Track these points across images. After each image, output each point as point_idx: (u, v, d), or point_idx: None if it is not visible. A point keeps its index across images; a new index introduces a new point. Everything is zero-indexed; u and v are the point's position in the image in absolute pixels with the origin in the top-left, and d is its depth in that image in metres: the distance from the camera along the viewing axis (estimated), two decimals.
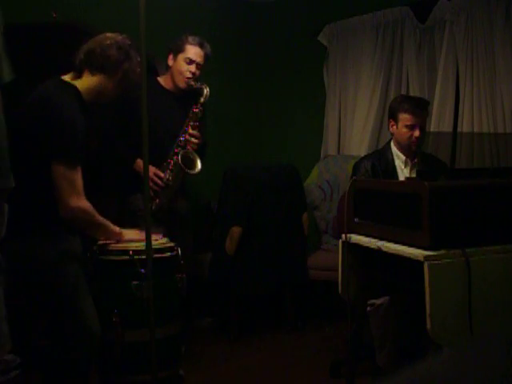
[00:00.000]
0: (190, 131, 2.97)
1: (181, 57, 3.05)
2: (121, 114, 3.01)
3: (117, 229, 2.40)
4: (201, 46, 3.07)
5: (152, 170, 2.88)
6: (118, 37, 2.35)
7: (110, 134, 3.04)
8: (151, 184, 2.88)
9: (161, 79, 3.16)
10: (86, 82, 2.28)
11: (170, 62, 3.09)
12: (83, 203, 2.20)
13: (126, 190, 3.05)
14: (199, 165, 2.96)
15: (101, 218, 2.30)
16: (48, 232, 2.19)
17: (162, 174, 2.93)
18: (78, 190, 2.17)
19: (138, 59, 2.33)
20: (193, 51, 3.05)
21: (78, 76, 2.29)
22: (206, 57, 3.10)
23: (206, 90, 3.00)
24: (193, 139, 2.96)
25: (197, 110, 3.00)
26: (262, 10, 4.81)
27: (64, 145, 2.13)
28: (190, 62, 3.04)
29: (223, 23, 4.41)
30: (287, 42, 4.79)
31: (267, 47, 4.85)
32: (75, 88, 2.24)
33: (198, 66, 3.06)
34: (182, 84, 3.06)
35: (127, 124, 2.97)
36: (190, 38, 3.06)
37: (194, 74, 3.04)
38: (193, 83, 3.03)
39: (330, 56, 4.50)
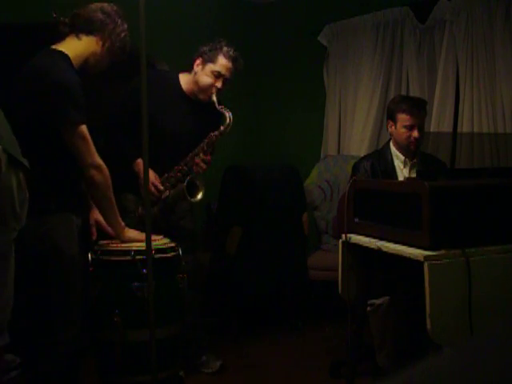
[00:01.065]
0: (202, 156, 2.81)
1: (210, 67, 2.83)
2: (126, 111, 2.86)
3: (122, 223, 2.40)
4: (234, 61, 2.86)
5: (151, 177, 2.76)
6: (105, 4, 2.36)
7: (114, 130, 2.92)
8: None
9: (182, 78, 2.95)
10: (73, 47, 2.26)
11: (197, 68, 2.87)
12: (102, 163, 2.22)
13: (117, 188, 2.99)
14: (200, 195, 2.80)
15: (113, 200, 2.32)
16: (50, 211, 2.20)
17: (160, 187, 2.80)
18: (93, 148, 2.20)
19: (125, 26, 2.35)
20: (224, 65, 2.84)
21: (64, 41, 2.29)
22: (236, 72, 2.90)
23: (229, 120, 2.79)
24: (201, 164, 2.81)
25: (214, 138, 2.82)
26: (261, 10, 4.81)
27: (65, 104, 2.13)
28: (219, 75, 2.83)
29: (223, 23, 4.41)
30: (287, 42, 4.78)
31: (267, 47, 4.85)
32: (63, 53, 2.23)
33: (225, 80, 2.86)
34: (203, 97, 2.87)
35: (133, 121, 2.76)
36: (225, 49, 2.85)
37: (219, 90, 2.85)
38: (215, 100, 2.81)
39: (330, 56, 4.50)
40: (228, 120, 2.79)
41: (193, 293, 2.86)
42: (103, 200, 2.31)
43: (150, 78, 2.97)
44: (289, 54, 4.79)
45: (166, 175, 2.84)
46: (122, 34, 2.34)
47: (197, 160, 2.81)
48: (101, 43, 2.30)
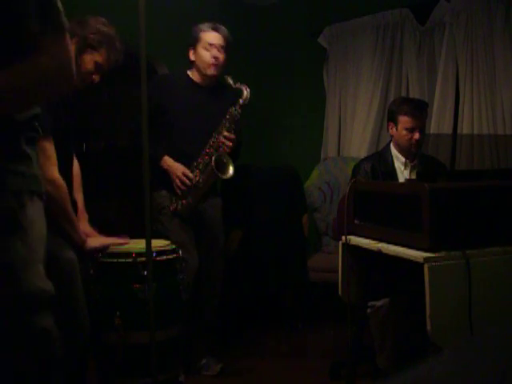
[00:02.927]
0: (225, 133, 2.84)
1: (200, 46, 2.96)
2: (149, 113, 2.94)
3: (83, 237, 2.33)
4: (215, 29, 2.98)
5: (181, 169, 2.84)
6: (112, 30, 2.38)
7: (138, 132, 2.99)
8: (179, 183, 2.84)
9: (190, 73, 3.06)
10: None
11: (193, 57, 3.00)
12: (58, 178, 2.13)
13: (151, 185, 3.02)
14: (231, 170, 2.82)
15: (72, 212, 2.25)
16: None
17: (191, 175, 2.84)
18: (51, 163, 2.11)
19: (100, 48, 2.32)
20: (209, 36, 2.96)
21: None
22: (225, 39, 3.00)
23: (247, 92, 2.86)
24: (227, 142, 2.83)
25: (235, 112, 2.87)
26: (262, 12, 4.82)
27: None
28: (210, 46, 2.95)
29: (223, 25, 4.40)
30: (287, 44, 4.79)
31: (267, 49, 4.85)
32: None
33: (219, 48, 2.96)
34: (210, 72, 2.96)
35: (155, 121, 2.85)
36: (202, 26, 2.99)
37: (217, 58, 2.94)
38: (231, 82, 2.88)
39: (329, 58, 4.50)
40: (245, 93, 2.86)
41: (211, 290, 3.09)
42: (60, 214, 2.22)
43: (164, 79, 3.08)
44: (289, 56, 4.79)
45: (195, 163, 2.87)
46: (92, 36, 2.34)
47: (222, 139, 2.84)
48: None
